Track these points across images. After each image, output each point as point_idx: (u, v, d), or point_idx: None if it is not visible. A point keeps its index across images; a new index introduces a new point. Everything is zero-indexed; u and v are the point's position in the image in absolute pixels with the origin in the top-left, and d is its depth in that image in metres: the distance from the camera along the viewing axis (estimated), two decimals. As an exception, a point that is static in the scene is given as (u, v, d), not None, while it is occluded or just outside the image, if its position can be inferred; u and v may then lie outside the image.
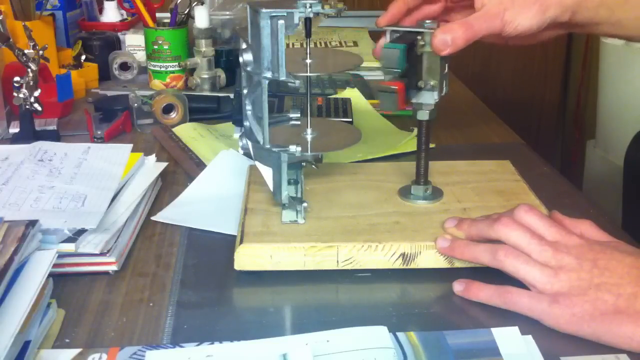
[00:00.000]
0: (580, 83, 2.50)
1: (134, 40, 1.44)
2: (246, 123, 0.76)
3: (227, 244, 0.73)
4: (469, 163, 0.88)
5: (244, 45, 0.73)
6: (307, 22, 0.71)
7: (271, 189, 0.73)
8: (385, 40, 0.75)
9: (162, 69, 1.29)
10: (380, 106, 0.70)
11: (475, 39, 0.73)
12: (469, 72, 2.37)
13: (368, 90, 1.27)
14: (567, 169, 2.53)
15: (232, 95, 1.14)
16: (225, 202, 0.82)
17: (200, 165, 0.93)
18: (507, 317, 0.62)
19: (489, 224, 0.67)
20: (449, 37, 0.71)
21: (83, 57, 1.34)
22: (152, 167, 0.87)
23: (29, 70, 1.03)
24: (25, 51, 1.03)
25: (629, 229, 0.77)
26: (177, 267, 0.71)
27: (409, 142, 1.01)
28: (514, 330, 0.59)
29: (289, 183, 0.74)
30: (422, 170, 0.77)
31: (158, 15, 1.32)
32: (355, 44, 1.65)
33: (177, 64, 1.29)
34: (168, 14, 1.30)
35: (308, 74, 0.73)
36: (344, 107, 1.10)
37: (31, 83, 1.03)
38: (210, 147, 0.99)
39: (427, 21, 0.73)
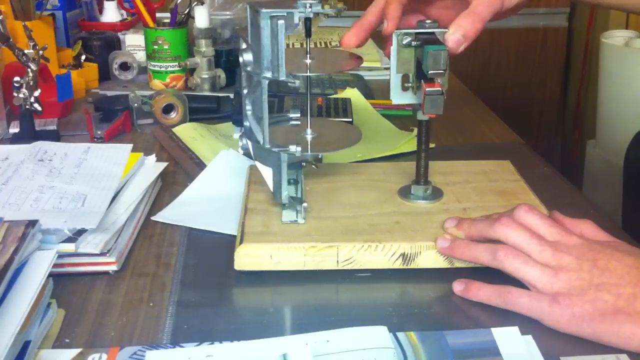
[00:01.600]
0: (580, 83, 2.50)
1: (134, 40, 1.44)
2: (246, 123, 0.76)
3: (227, 244, 0.73)
4: (469, 163, 0.87)
5: (244, 45, 0.73)
6: (307, 22, 0.71)
7: (271, 189, 0.73)
8: (392, 44, 0.73)
9: (162, 69, 1.29)
10: (426, 110, 0.67)
11: (484, 25, 0.73)
12: (469, 72, 2.37)
13: (368, 90, 1.27)
14: (567, 169, 2.53)
15: (232, 95, 1.14)
16: (225, 202, 0.82)
17: (200, 165, 0.93)
18: (507, 317, 0.62)
19: (489, 224, 0.67)
20: (460, 35, 0.70)
21: (83, 57, 1.34)
22: (152, 167, 0.87)
23: (29, 70, 1.03)
24: (25, 51, 1.03)
25: (629, 229, 0.77)
26: (177, 267, 0.71)
27: (409, 142, 1.01)
28: (514, 330, 0.59)
29: (289, 183, 0.74)
30: (422, 170, 0.77)
31: (158, 15, 1.32)
32: (355, 44, 1.65)
33: (177, 64, 1.29)
34: (168, 14, 1.30)
35: (308, 74, 0.73)
36: (344, 107, 1.10)
37: (31, 83, 1.03)
38: (210, 147, 0.99)
39: (427, 21, 0.73)
